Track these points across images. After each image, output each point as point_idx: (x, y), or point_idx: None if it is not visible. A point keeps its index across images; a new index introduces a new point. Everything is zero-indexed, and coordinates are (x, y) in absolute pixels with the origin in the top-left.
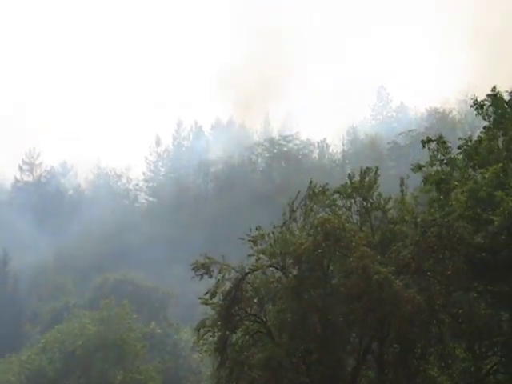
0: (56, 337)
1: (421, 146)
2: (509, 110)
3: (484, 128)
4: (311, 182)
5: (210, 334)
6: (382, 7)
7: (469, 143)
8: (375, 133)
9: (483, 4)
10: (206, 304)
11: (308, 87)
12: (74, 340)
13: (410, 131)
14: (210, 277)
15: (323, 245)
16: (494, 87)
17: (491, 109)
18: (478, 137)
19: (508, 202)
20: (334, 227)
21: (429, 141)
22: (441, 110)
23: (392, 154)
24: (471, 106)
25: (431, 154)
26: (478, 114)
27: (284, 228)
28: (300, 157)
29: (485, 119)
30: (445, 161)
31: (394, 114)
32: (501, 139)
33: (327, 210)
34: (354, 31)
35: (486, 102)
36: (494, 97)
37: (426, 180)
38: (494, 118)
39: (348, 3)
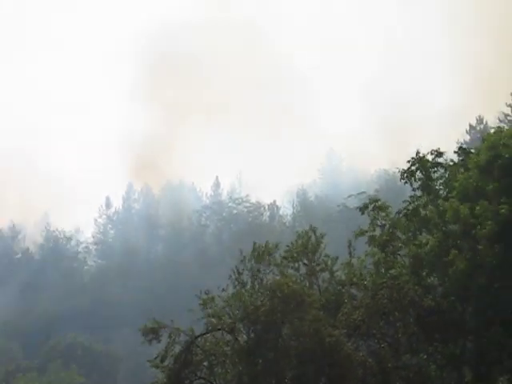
0: None
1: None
2: (433, 171)
3: (411, 196)
4: (255, 244)
5: None
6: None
7: (409, 207)
8: (325, 195)
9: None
10: (157, 367)
11: (258, 148)
12: None
13: (359, 194)
14: (159, 341)
15: (279, 308)
16: (418, 152)
17: (418, 173)
18: (412, 203)
19: (458, 265)
20: (293, 290)
21: (366, 207)
22: (390, 172)
23: (341, 215)
24: (401, 179)
25: (371, 219)
26: (407, 182)
27: (234, 291)
28: (250, 219)
29: (413, 188)
30: (386, 225)
31: (344, 177)
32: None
33: (274, 270)
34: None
35: (414, 168)
36: (420, 159)
37: (370, 241)
38: (423, 182)
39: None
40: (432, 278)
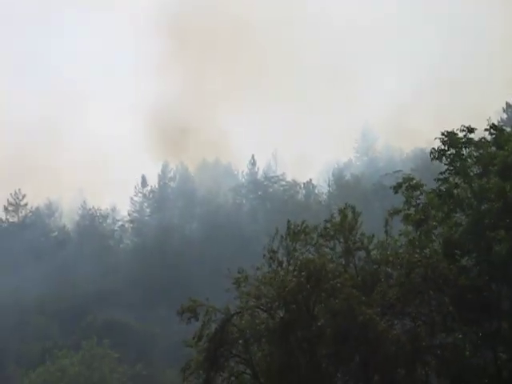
0: (40, 378)
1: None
2: (464, 148)
3: (441, 173)
4: (289, 222)
5: (195, 375)
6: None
7: (441, 187)
8: (360, 173)
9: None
10: (191, 347)
11: (293, 127)
12: (57, 381)
13: (395, 172)
14: (197, 320)
15: (307, 286)
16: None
17: (451, 151)
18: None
19: (503, 246)
20: (316, 268)
21: (400, 186)
22: (427, 151)
23: (377, 194)
24: (432, 158)
25: (405, 198)
26: (437, 159)
27: (269, 269)
28: (286, 198)
29: (446, 164)
30: (420, 205)
31: (379, 155)
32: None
33: (311, 249)
34: (342, 73)
35: (445, 146)
36: (452, 135)
37: (405, 220)
38: (453, 160)
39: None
40: (466, 259)
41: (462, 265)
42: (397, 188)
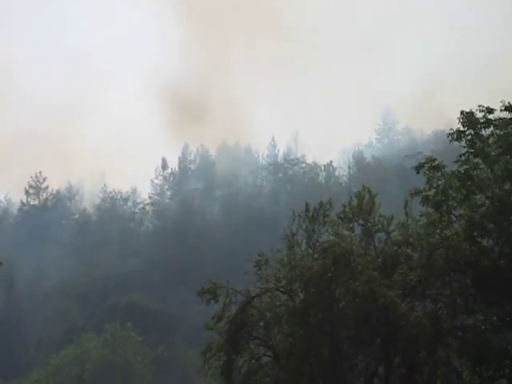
0: (64, 360)
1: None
2: (483, 128)
3: (461, 155)
4: (307, 204)
5: (216, 357)
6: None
7: (460, 169)
8: (381, 155)
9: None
10: (211, 329)
11: (314, 109)
12: (81, 364)
13: (415, 154)
14: (217, 302)
15: (332, 268)
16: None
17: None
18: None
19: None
20: (343, 251)
21: (422, 166)
22: (447, 132)
23: (398, 176)
24: (451, 140)
25: (426, 179)
26: (456, 141)
27: (288, 251)
28: (306, 180)
29: (465, 146)
30: (441, 186)
31: (400, 137)
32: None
33: (330, 231)
34: (357, 54)
35: (463, 127)
36: (471, 116)
37: (424, 201)
38: (472, 140)
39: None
40: (487, 240)
41: (483, 246)
42: (419, 168)
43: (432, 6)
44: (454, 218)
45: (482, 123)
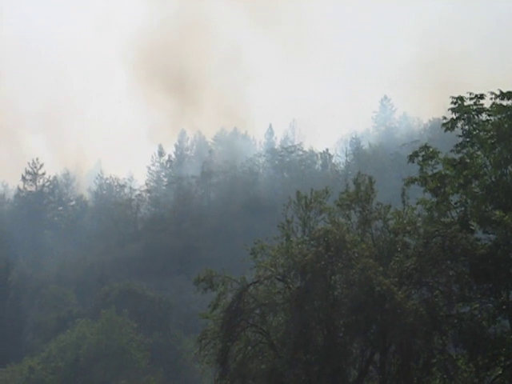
0: (59, 346)
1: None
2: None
3: (457, 145)
4: (299, 193)
5: (212, 344)
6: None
7: (456, 158)
8: (378, 143)
9: None
10: (206, 317)
11: (311, 97)
12: (76, 349)
13: (413, 142)
14: (213, 290)
15: (325, 256)
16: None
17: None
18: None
19: (507, 221)
20: (336, 238)
21: (415, 155)
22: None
23: (394, 164)
24: (446, 129)
25: (420, 166)
26: (449, 130)
27: (284, 239)
28: (303, 167)
29: (460, 136)
30: (437, 175)
31: (397, 125)
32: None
33: (326, 218)
34: (357, 43)
35: (455, 114)
36: (460, 101)
37: (423, 184)
38: (465, 129)
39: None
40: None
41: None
42: (412, 157)
43: None
44: (450, 206)
45: (474, 110)
